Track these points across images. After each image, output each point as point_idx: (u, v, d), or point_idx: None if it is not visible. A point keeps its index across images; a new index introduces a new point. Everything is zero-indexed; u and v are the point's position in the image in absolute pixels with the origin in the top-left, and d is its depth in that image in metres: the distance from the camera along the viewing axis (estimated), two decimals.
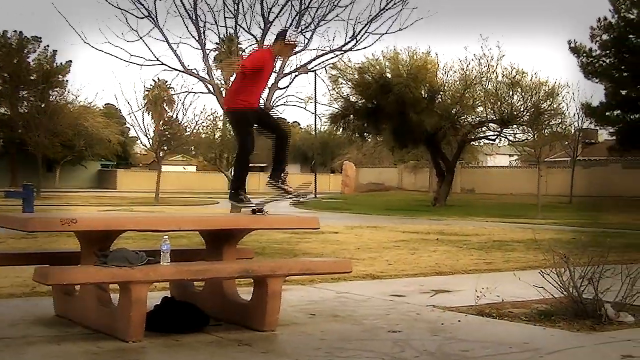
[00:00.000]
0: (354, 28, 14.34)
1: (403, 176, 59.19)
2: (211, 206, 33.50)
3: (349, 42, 14.53)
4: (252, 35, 14.55)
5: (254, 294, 5.89)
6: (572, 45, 35.87)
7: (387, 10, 14.26)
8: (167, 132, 40.94)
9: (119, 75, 58.48)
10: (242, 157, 6.70)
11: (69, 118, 45.78)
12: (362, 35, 14.45)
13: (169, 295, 6.31)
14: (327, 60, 15.96)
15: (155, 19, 14.06)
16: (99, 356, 4.92)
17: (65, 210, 23.76)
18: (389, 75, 34.62)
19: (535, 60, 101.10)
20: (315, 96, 40.84)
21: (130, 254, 5.46)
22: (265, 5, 14.30)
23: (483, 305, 6.83)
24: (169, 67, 14.59)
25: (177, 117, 40.60)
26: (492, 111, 34.71)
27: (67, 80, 48.13)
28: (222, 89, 15.27)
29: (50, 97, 43.51)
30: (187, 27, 14.40)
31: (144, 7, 13.96)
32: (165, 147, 40.42)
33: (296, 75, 15.20)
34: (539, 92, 33.58)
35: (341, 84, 35.81)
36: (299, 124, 78.25)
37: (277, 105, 15.63)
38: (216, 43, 17.29)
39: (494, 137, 38.54)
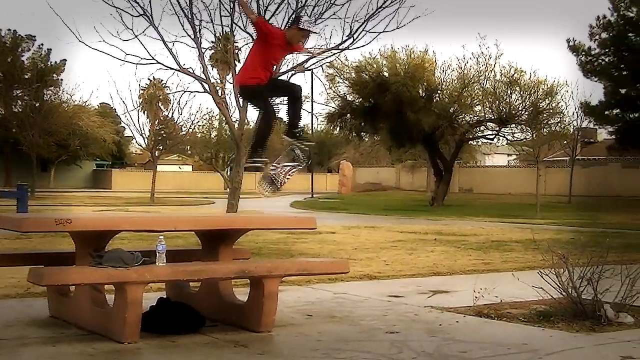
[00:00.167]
0: (351, 26, 14.27)
1: (400, 176, 59.24)
2: (207, 206, 33.46)
3: (346, 40, 14.45)
4: (248, 33, 14.45)
5: (250, 294, 5.85)
6: (571, 43, 35.88)
7: (384, 8, 14.15)
8: (162, 132, 40.91)
9: (114, 74, 58.20)
10: (265, 119, 6.85)
11: (64, 117, 45.64)
12: (359, 34, 14.36)
13: (165, 296, 6.28)
14: (323, 58, 15.92)
15: (150, 17, 13.97)
16: (94, 357, 4.89)
17: (59, 211, 23.72)
18: (386, 74, 34.61)
19: (533, 59, 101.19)
20: (312, 95, 40.78)
21: (125, 255, 5.44)
22: (262, 4, 14.21)
23: (481, 306, 6.80)
24: (164, 65, 14.51)
25: (172, 116, 40.59)
26: (490, 110, 34.70)
27: (61, 79, 47.96)
28: (217, 88, 15.21)
29: (45, 96, 43.32)
30: (182, 25, 14.32)
31: (139, 5, 13.87)
32: (161, 147, 40.41)
33: (293, 74, 15.11)
34: (538, 91, 33.57)
35: (338, 82, 35.86)
36: None
37: (275, 104, 15.57)
38: (212, 41, 17.20)
39: (492, 137, 38.56)
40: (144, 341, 5.24)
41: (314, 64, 15.58)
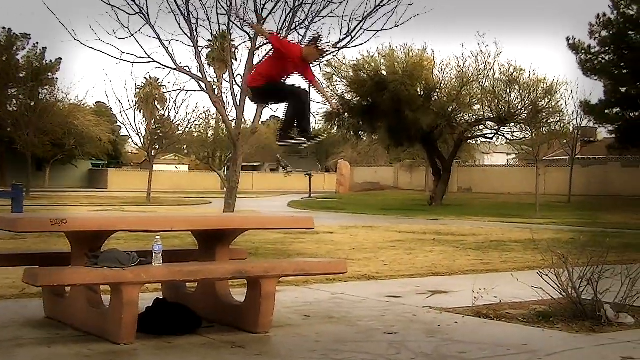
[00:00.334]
0: (348, 25, 14.23)
1: (399, 175, 59.27)
2: (204, 206, 33.43)
3: (344, 39, 14.42)
4: (245, 32, 14.43)
5: (248, 295, 5.82)
6: (571, 42, 35.77)
7: (382, 6, 14.12)
8: (158, 131, 40.90)
9: (110, 72, 58.13)
10: (294, 102, 6.99)
11: (59, 116, 45.48)
12: (357, 32, 14.34)
13: (161, 297, 6.24)
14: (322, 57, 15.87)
15: (146, 15, 13.94)
16: (90, 359, 4.86)
17: (55, 211, 23.67)
18: (384, 73, 34.57)
19: (533, 58, 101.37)
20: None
21: (121, 255, 5.41)
22: (259, 2, 14.16)
23: (480, 307, 6.77)
24: (160, 64, 14.48)
25: (169, 115, 40.63)
26: (489, 109, 34.70)
27: (57, 78, 47.71)
28: (214, 87, 15.16)
29: (40, 95, 43.19)
30: (179, 24, 14.28)
31: (136, 3, 13.84)
32: (157, 146, 40.37)
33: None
34: (537, 90, 33.55)
35: (336, 81, 35.82)
36: None
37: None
38: (209, 40, 17.18)
39: (491, 136, 38.55)
40: (140, 342, 5.21)
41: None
